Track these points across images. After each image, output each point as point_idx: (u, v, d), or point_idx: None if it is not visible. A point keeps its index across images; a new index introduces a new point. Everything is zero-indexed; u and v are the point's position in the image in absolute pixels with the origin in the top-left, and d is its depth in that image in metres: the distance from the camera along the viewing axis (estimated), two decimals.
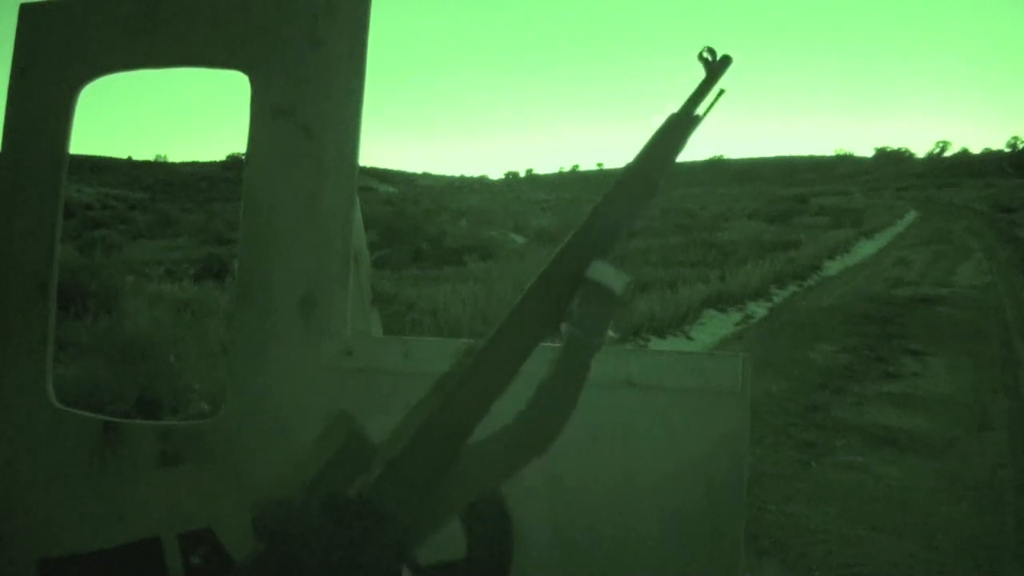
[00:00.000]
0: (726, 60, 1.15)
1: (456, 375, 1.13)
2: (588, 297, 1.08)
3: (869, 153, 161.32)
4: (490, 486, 1.21)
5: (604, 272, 1.08)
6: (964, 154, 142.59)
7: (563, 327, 1.10)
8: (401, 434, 1.17)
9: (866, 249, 20.56)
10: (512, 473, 1.15)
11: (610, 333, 1.11)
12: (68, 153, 1.52)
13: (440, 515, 1.13)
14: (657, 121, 1.19)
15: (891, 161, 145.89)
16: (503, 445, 1.12)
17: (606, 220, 1.13)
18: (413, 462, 1.10)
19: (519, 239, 21.79)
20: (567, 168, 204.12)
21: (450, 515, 1.14)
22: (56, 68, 1.52)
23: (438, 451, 1.10)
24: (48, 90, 1.52)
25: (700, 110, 1.16)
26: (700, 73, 1.18)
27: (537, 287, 1.12)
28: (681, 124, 1.15)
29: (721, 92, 1.15)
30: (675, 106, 1.18)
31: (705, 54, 1.15)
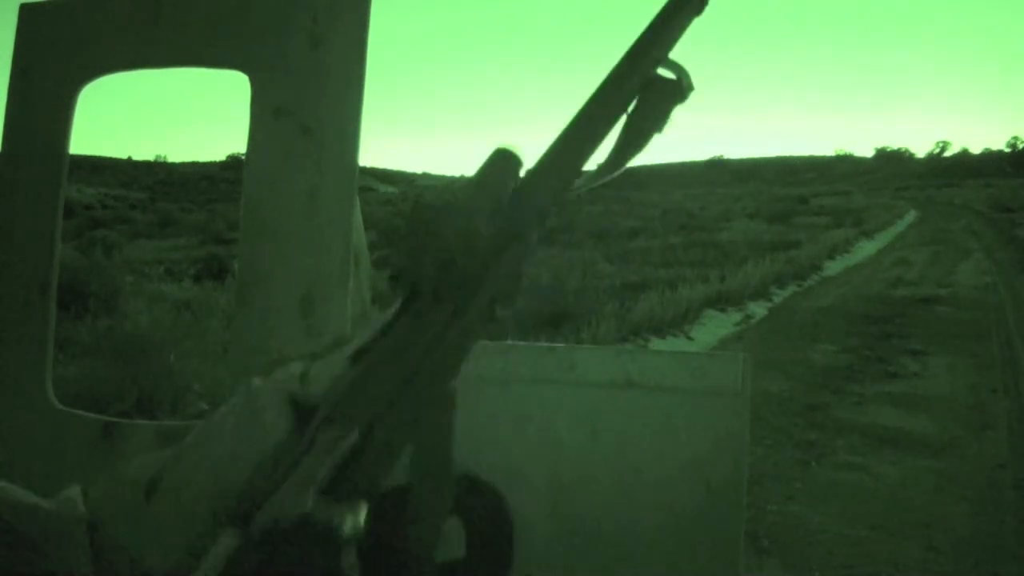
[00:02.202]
0: None
1: None
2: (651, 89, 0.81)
3: (869, 153, 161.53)
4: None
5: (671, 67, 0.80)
6: (964, 154, 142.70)
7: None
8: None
9: (866, 249, 20.55)
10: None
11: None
12: (68, 153, 1.52)
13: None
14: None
15: (891, 161, 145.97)
16: None
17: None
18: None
19: None
20: None
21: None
22: (56, 68, 1.53)
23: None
24: (48, 90, 1.52)
25: None
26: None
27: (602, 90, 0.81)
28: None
29: None
30: None
31: None
